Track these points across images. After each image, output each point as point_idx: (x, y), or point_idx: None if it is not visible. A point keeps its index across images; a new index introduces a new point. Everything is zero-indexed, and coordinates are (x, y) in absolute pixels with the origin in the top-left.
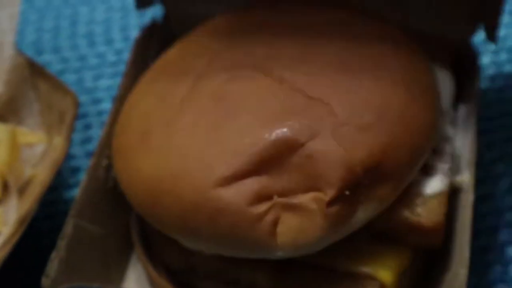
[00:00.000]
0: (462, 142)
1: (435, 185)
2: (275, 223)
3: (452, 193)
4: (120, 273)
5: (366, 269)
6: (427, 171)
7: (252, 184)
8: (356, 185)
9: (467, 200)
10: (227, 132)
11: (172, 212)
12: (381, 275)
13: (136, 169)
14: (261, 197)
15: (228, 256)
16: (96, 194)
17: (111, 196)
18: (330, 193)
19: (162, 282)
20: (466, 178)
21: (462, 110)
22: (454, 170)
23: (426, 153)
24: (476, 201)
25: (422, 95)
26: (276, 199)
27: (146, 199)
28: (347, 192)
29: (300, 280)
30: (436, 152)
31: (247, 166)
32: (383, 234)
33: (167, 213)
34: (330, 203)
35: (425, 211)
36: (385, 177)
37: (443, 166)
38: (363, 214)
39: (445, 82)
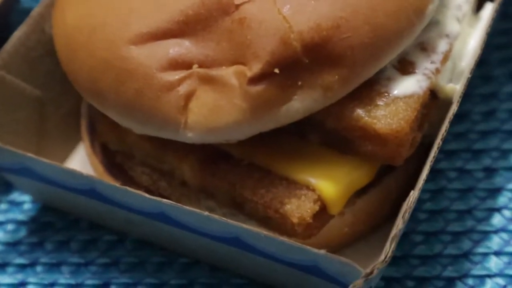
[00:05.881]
0: (473, 46)
1: (408, 85)
2: (188, 96)
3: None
4: (63, 147)
5: (304, 177)
6: (404, 67)
7: (169, 46)
8: (292, 64)
9: (448, 114)
10: None
11: (84, 70)
12: (321, 186)
13: (63, 19)
14: (177, 63)
15: (141, 133)
16: (33, 50)
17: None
18: (255, 68)
19: (94, 160)
20: (458, 87)
21: (487, 9)
22: (449, 75)
23: (399, 42)
24: None
25: None
26: (195, 68)
27: (65, 53)
28: (276, 71)
29: (230, 178)
30: (425, 47)
31: (169, 24)
32: (335, 139)
33: (80, 70)
34: (253, 81)
35: (385, 114)
36: (334, 61)
37: (428, 65)
38: (300, 104)
39: None
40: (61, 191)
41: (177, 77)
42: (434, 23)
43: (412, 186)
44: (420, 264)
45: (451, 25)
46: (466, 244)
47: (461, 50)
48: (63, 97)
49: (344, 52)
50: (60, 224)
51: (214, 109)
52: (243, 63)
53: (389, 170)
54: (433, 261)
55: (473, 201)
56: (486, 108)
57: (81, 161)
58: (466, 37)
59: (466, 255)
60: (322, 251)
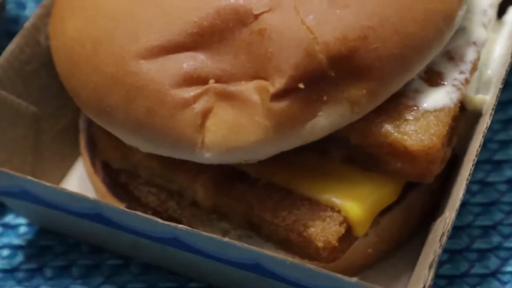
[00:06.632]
0: (499, 52)
1: (437, 98)
2: (205, 114)
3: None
4: (61, 164)
5: (328, 197)
6: (433, 79)
7: (183, 61)
8: (318, 78)
9: (479, 127)
10: None
11: (88, 85)
12: (347, 207)
13: (62, 30)
14: (192, 78)
15: (150, 152)
16: (27, 64)
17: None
18: (278, 83)
19: (95, 179)
20: (489, 98)
21: (511, 13)
22: (476, 85)
23: (428, 52)
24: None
25: None
26: (212, 84)
27: (66, 67)
28: (301, 86)
29: (247, 199)
30: (453, 56)
31: (181, 36)
32: (359, 155)
33: (84, 86)
34: (277, 96)
35: (416, 130)
36: (361, 73)
37: (457, 76)
38: (325, 121)
39: None
40: (62, 214)
41: (192, 93)
42: (461, 30)
43: (435, 202)
44: (447, 284)
45: (478, 32)
46: (493, 263)
47: (487, 57)
48: (60, 111)
49: (372, 64)
50: (59, 248)
51: (234, 127)
52: (265, 78)
53: (412, 187)
54: (460, 281)
55: (497, 215)
56: (505, 116)
57: (80, 179)
58: (492, 43)
59: (494, 274)
60: (354, 279)
